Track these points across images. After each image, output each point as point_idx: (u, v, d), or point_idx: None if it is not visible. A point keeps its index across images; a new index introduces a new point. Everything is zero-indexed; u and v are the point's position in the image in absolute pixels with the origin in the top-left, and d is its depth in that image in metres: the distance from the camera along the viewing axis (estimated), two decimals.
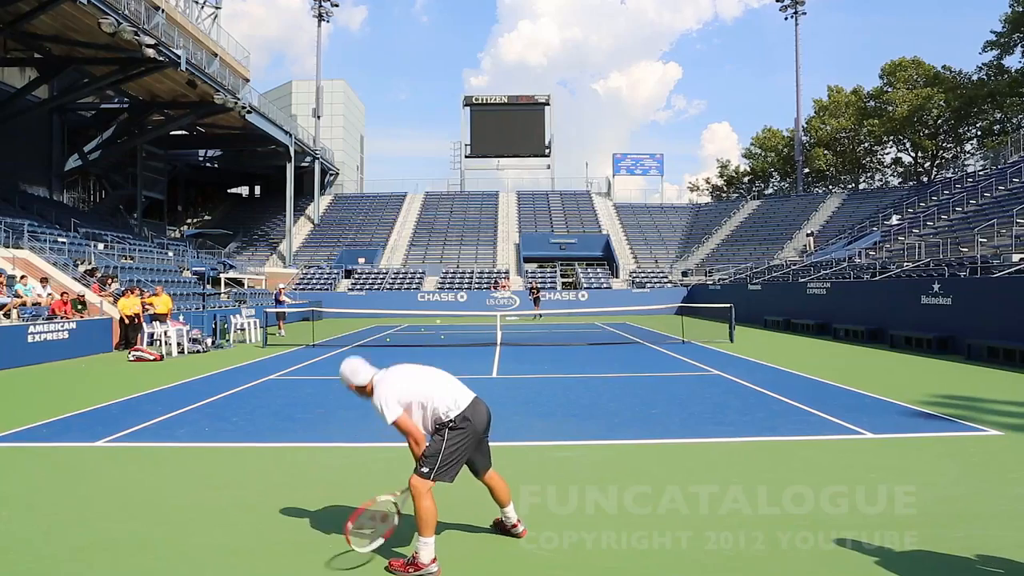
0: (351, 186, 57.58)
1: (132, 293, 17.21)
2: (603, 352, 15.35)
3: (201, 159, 45.29)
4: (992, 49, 43.26)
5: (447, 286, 35.77)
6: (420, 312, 28.41)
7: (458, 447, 3.62)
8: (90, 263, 21.72)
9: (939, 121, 47.95)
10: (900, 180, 52.18)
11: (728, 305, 18.46)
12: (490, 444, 4.07)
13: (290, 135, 38.63)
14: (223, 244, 41.32)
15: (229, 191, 54.22)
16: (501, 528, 4.11)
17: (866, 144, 52.91)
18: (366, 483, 5.19)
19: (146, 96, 30.50)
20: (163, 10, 25.00)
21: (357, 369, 3.68)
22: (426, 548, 3.54)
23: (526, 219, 46.24)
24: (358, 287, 35.82)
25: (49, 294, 16.19)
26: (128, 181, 37.76)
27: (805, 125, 51.70)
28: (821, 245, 34.25)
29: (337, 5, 48.74)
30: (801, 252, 35.54)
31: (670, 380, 10.78)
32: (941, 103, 45.92)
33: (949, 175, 39.37)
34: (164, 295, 17.69)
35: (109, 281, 19.75)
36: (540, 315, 28.75)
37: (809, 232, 38.14)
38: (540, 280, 37.53)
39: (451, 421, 3.62)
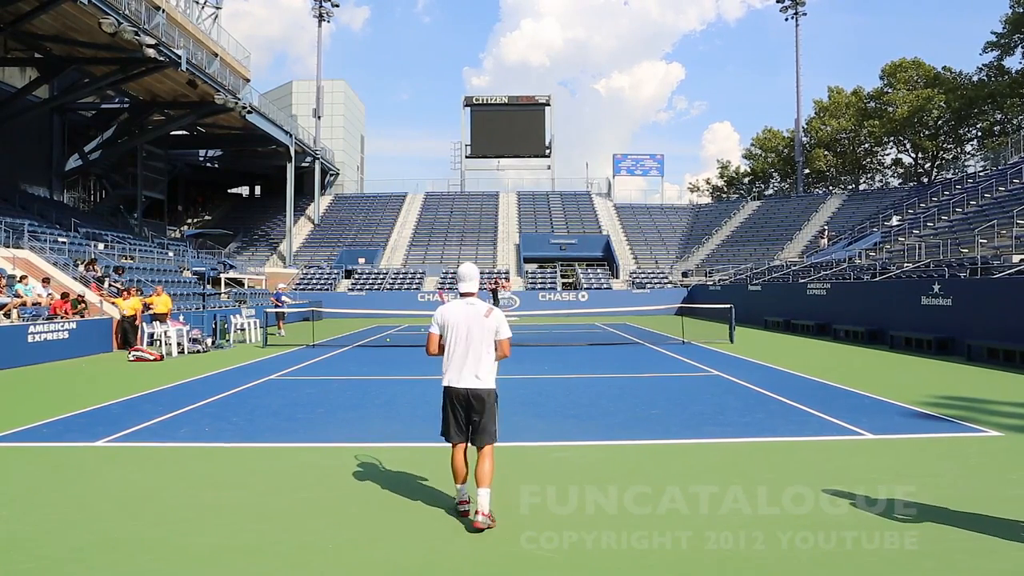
0: (351, 186, 57.59)
1: (131, 293, 17.23)
2: (603, 352, 15.35)
3: (201, 159, 45.26)
4: (992, 50, 43.28)
5: (447, 286, 35.75)
6: (420, 312, 28.36)
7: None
8: (83, 263, 21.72)
9: (939, 122, 47.94)
10: (900, 181, 52.16)
11: (728, 306, 18.46)
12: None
13: (290, 135, 38.62)
14: (223, 244, 41.30)
15: (229, 191, 54.20)
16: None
17: (866, 145, 52.91)
18: (366, 483, 5.19)
19: (146, 96, 30.49)
20: (163, 10, 24.98)
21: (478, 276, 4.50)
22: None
23: (526, 219, 46.24)
24: (358, 287, 35.82)
25: (50, 294, 16.19)
26: (128, 181, 37.74)
27: (805, 126, 51.71)
28: (834, 241, 34.13)
29: (337, 5, 48.77)
30: (805, 250, 35.52)
31: (670, 380, 10.79)
32: (941, 104, 45.89)
33: (949, 176, 39.36)
34: (164, 295, 17.69)
35: (120, 272, 19.77)
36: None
37: (822, 229, 38.05)
38: (540, 280, 37.53)
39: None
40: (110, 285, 19.43)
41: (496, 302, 28.09)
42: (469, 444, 4.33)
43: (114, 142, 32.94)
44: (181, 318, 17.13)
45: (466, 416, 4.31)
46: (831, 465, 5.63)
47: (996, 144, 41.09)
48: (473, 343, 4.27)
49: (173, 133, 37.13)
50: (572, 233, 43.39)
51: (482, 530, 4.12)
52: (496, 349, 4.36)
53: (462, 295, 4.42)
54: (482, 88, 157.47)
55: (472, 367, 4.26)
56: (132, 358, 13.88)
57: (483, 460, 4.25)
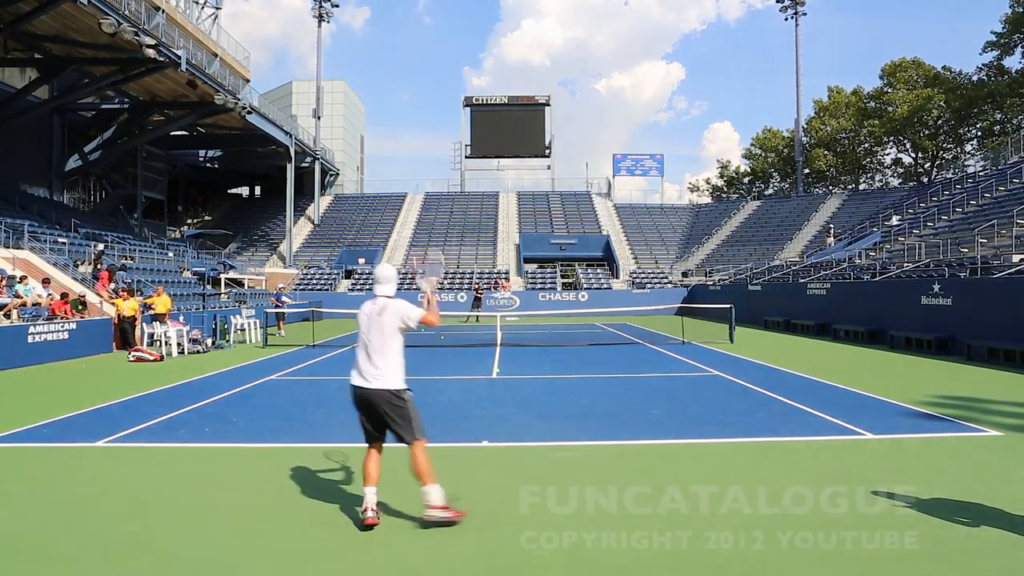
0: (351, 186, 57.57)
1: (130, 294, 17.23)
2: (603, 352, 15.35)
3: (201, 159, 45.25)
4: (992, 50, 43.27)
5: (447, 286, 35.78)
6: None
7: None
8: (91, 261, 21.72)
9: (939, 122, 47.94)
10: (900, 181, 52.18)
11: (728, 306, 18.46)
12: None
13: (290, 135, 38.63)
14: (223, 244, 41.30)
15: (229, 191, 54.19)
16: None
17: (866, 145, 52.91)
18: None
19: (146, 96, 30.49)
20: (163, 10, 24.98)
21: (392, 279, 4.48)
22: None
23: (526, 219, 46.23)
24: (358, 287, 35.81)
25: (49, 295, 16.19)
26: (128, 181, 37.73)
27: (805, 125, 51.69)
28: (836, 239, 34.06)
29: (337, 6, 48.79)
30: (805, 250, 35.52)
31: (670, 380, 10.79)
32: (941, 104, 45.90)
33: (949, 176, 39.37)
34: (164, 295, 17.70)
35: (124, 269, 19.77)
36: (472, 317, 27.02)
37: (827, 227, 37.99)
38: (540, 280, 37.54)
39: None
40: (120, 283, 19.41)
41: (478, 305, 28.18)
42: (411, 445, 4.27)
43: (114, 142, 32.92)
44: (181, 318, 17.14)
45: (367, 417, 4.32)
46: (831, 465, 5.62)
47: (996, 144, 41.08)
48: (370, 343, 4.27)
49: (173, 133, 37.13)
50: (572, 233, 43.38)
51: (437, 523, 4.15)
52: (422, 325, 4.38)
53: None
54: (482, 88, 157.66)
55: (366, 367, 4.25)
56: (132, 358, 13.89)
57: (413, 458, 4.23)
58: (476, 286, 31.39)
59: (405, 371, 4.35)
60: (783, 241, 39.94)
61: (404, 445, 4.28)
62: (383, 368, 4.24)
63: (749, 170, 61.40)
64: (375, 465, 4.35)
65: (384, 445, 4.43)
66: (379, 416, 4.25)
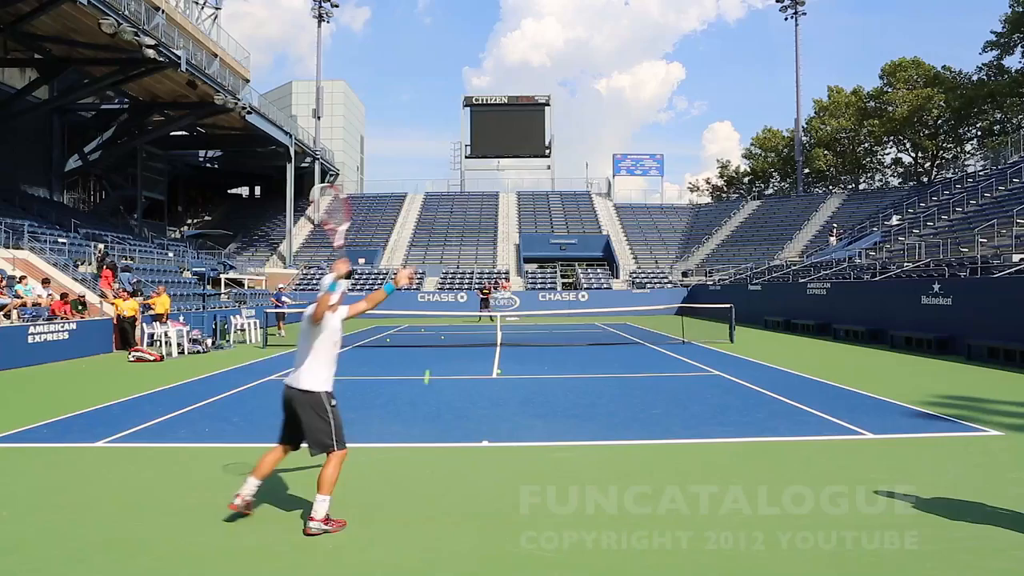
0: (351, 186, 57.55)
1: (129, 294, 17.23)
2: (603, 352, 15.34)
3: (201, 159, 45.26)
4: (992, 49, 43.28)
5: (447, 286, 35.78)
6: (420, 312, 28.41)
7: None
8: (91, 263, 21.73)
9: (939, 121, 47.95)
10: (900, 180, 52.17)
11: (728, 305, 18.46)
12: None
13: (290, 135, 38.63)
14: (223, 245, 41.31)
15: (229, 191, 54.22)
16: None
17: (866, 144, 52.91)
18: (365, 483, 5.19)
19: (146, 97, 30.48)
20: (163, 11, 24.99)
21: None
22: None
23: (526, 219, 46.23)
24: (358, 287, 35.78)
25: (49, 295, 16.19)
26: (128, 181, 37.73)
27: (805, 125, 51.68)
28: (842, 239, 34.03)
29: (337, 6, 48.76)
30: (805, 249, 35.53)
31: (670, 380, 10.78)
32: (941, 103, 45.90)
33: (949, 175, 39.35)
34: (164, 295, 17.70)
35: (127, 270, 19.79)
36: (485, 317, 26.91)
37: (830, 226, 37.97)
38: (540, 280, 37.53)
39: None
40: (126, 284, 19.40)
41: (486, 305, 28.11)
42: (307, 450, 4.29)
43: (114, 143, 32.94)
44: (181, 318, 17.13)
45: (287, 417, 4.39)
46: (831, 465, 5.62)
47: (996, 143, 41.07)
48: (299, 348, 4.37)
49: (173, 134, 37.14)
50: (572, 233, 43.38)
51: (314, 535, 4.06)
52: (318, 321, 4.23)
53: None
54: (482, 88, 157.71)
55: (294, 368, 4.38)
56: (132, 358, 13.89)
57: (326, 465, 4.19)
58: (485, 286, 31.23)
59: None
60: (783, 241, 39.93)
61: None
62: (301, 370, 4.32)
63: (749, 170, 61.41)
64: (271, 462, 4.41)
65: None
66: (297, 420, 4.26)
